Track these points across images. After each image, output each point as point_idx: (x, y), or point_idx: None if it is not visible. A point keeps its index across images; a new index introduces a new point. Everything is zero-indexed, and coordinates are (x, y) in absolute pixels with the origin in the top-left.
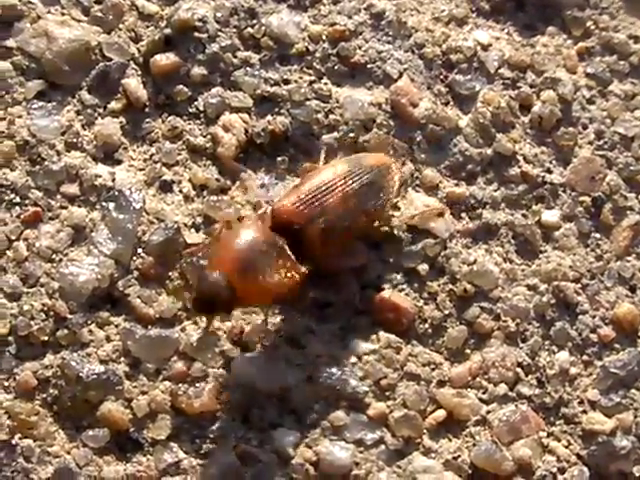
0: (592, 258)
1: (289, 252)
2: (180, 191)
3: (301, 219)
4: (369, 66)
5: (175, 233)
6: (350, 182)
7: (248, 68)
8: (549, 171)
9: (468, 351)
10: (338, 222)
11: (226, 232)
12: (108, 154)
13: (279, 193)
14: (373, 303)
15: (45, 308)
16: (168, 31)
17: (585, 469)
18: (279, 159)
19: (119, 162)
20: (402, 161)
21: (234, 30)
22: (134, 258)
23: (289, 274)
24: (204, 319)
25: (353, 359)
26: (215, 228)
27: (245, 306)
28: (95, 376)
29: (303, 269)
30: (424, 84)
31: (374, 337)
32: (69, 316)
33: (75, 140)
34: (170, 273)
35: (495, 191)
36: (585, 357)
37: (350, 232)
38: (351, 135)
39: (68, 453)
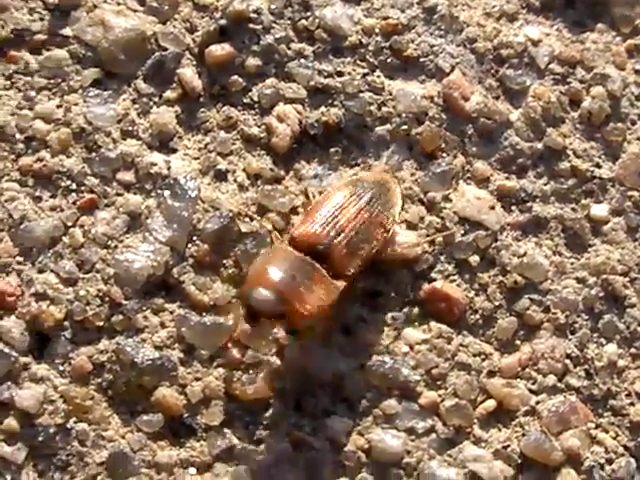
0: None
1: (322, 269)
2: (234, 180)
3: (323, 239)
4: (421, 60)
5: (230, 222)
6: (357, 199)
7: (302, 60)
8: (598, 166)
9: (518, 342)
10: (357, 236)
11: (265, 254)
12: (163, 143)
13: (332, 184)
14: (425, 293)
15: (100, 294)
16: (223, 22)
17: (632, 460)
18: (332, 150)
19: (174, 151)
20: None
21: (288, 22)
22: (189, 246)
23: (327, 290)
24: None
25: (405, 348)
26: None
27: (293, 323)
28: (150, 362)
29: (338, 283)
30: (475, 78)
31: (425, 327)
32: (124, 302)
33: (131, 128)
34: (225, 261)
35: (545, 185)
36: (633, 350)
37: (371, 245)
38: (404, 127)
39: (122, 437)
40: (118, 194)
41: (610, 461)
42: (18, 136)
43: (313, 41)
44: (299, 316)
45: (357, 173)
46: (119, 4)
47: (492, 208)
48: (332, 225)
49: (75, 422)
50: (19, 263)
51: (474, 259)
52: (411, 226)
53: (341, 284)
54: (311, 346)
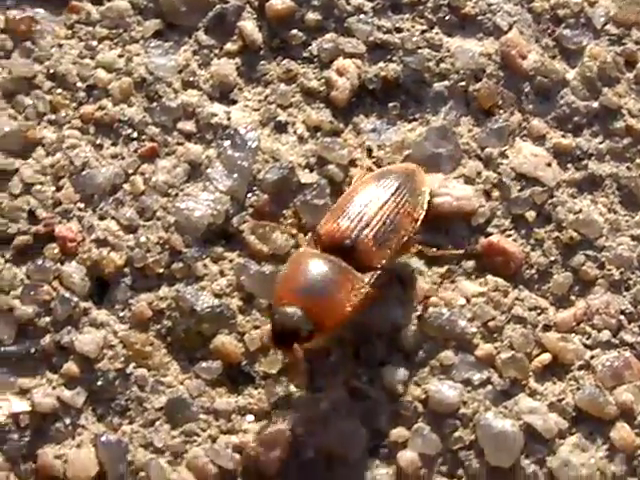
0: None
1: (349, 268)
2: (294, 132)
3: (350, 234)
4: (479, 18)
5: (289, 172)
6: (383, 190)
7: (361, 15)
8: None
9: (573, 297)
10: (385, 227)
11: (289, 263)
12: (224, 94)
13: (390, 138)
14: (482, 247)
15: (161, 241)
16: None
17: None
18: (390, 105)
19: (234, 102)
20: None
21: None
22: (249, 195)
23: (355, 288)
24: None
25: (462, 301)
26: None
27: (324, 334)
28: (209, 309)
29: (366, 279)
30: (532, 37)
31: (482, 280)
32: (184, 250)
33: (192, 79)
34: (284, 211)
35: (600, 143)
36: None
37: (400, 235)
38: (461, 84)
39: (181, 384)
40: (179, 143)
41: None
42: (80, 84)
43: None
44: (328, 330)
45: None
46: None
47: (548, 165)
48: (358, 219)
49: (134, 367)
50: (80, 209)
51: (530, 215)
52: (468, 181)
53: (370, 277)
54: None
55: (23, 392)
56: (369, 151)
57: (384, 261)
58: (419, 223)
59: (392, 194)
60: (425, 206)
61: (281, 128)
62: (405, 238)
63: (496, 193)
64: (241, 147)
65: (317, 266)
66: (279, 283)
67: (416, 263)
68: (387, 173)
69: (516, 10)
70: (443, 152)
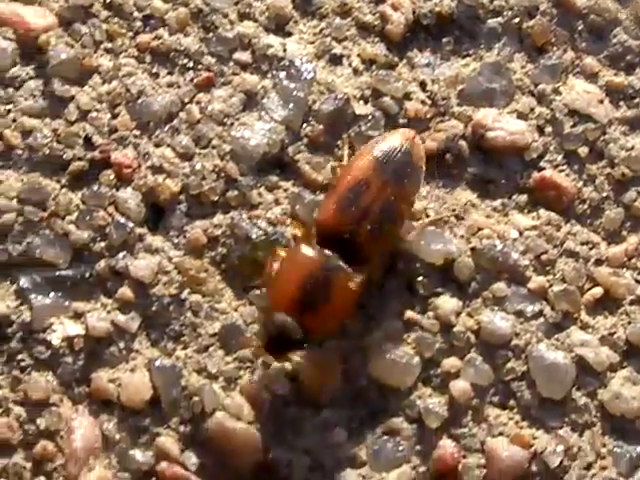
0: None
1: (344, 265)
2: (349, 65)
3: (348, 225)
4: None
5: (345, 104)
6: (381, 170)
7: None
8: None
9: (624, 233)
10: (382, 216)
11: (282, 265)
12: (279, 26)
13: (444, 73)
14: (534, 181)
15: (216, 169)
16: None
17: None
18: (444, 40)
19: (290, 34)
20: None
21: None
22: (304, 126)
23: (349, 289)
24: None
25: (514, 234)
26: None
27: (316, 339)
28: (264, 237)
29: (359, 278)
30: None
31: (535, 214)
32: (239, 178)
33: (248, 10)
34: (338, 142)
35: None
36: None
37: (396, 224)
38: (515, 21)
39: (235, 310)
40: (234, 73)
41: None
42: (136, 14)
43: None
44: (325, 330)
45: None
46: None
47: (601, 102)
48: (355, 207)
49: (189, 293)
50: (136, 137)
51: (583, 150)
52: (521, 116)
53: (364, 274)
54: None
55: (77, 316)
56: (423, 85)
57: (379, 255)
58: (412, 207)
59: (391, 175)
60: (421, 185)
61: (336, 61)
62: (399, 228)
63: (549, 129)
64: (297, 78)
65: (313, 272)
66: (274, 286)
67: (469, 196)
68: (389, 148)
69: None
70: (497, 87)
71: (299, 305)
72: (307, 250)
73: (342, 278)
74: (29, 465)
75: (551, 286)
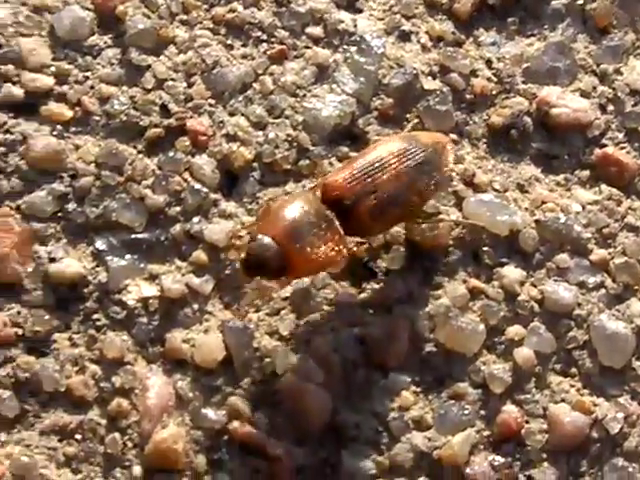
0: None
1: (338, 227)
2: (418, 41)
3: (351, 195)
4: None
5: (414, 78)
6: (404, 160)
7: None
8: None
9: None
10: (389, 200)
11: (279, 200)
12: (350, 2)
13: (509, 51)
14: (596, 158)
15: (289, 138)
16: None
17: None
18: (509, 20)
19: (360, 11)
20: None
21: None
22: (374, 99)
23: (336, 248)
24: None
25: (577, 207)
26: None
27: (292, 277)
28: None
29: (350, 245)
30: None
31: (596, 189)
32: (311, 148)
33: None
34: (407, 115)
35: None
36: None
37: (400, 212)
38: (579, 2)
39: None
40: (307, 47)
41: None
42: None
43: None
44: (298, 274)
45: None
46: None
47: None
48: (368, 181)
49: None
50: (211, 105)
51: None
52: (584, 94)
53: (353, 245)
54: (489, 200)
55: (152, 278)
56: (489, 62)
57: (372, 234)
58: (425, 204)
59: (412, 166)
60: (441, 187)
61: (405, 37)
62: (404, 216)
63: (611, 107)
64: (367, 53)
65: (309, 212)
66: (267, 213)
67: (533, 170)
68: (419, 142)
69: None
70: (560, 66)
71: (285, 234)
72: (310, 196)
73: (332, 233)
74: (104, 421)
75: (612, 259)
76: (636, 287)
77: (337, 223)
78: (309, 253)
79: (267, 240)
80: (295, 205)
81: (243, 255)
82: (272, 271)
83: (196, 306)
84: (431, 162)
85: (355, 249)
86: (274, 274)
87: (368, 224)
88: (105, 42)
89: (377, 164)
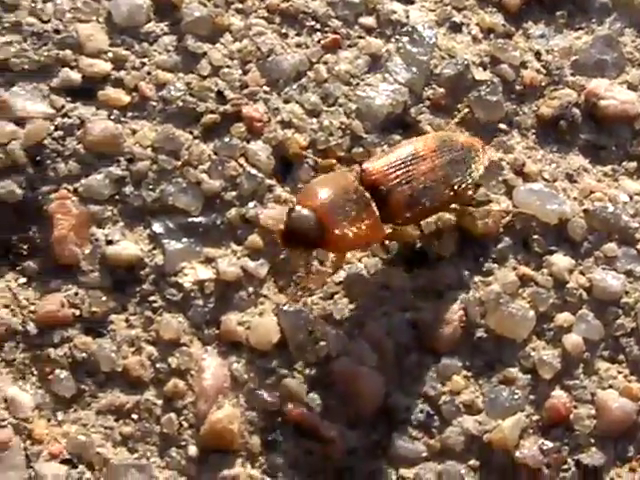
0: None
1: (375, 209)
2: (469, 32)
3: (388, 182)
4: None
5: (465, 69)
6: (440, 154)
7: None
8: None
9: None
10: (424, 192)
11: (320, 177)
12: None
13: (558, 44)
14: None
15: (342, 126)
16: None
17: None
18: (558, 13)
19: (412, 2)
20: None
21: None
22: (426, 89)
23: (373, 229)
24: None
25: (625, 198)
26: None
27: (328, 249)
28: None
29: (385, 230)
30: None
31: None
32: (364, 135)
33: None
34: (459, 105)
35: None
36: None
37: (434, 205)
38: None
39: (359, 261)
40: (360, 37)
41: None
42: None
43: None
44: (333, 247)
45: (450, 130)
46: None
47: None
48: (404, 171)
49: None
50: (266, 92)
51: None
52: (631, 87)
53: (388, 230)
54: (539, 189)
55: (208, 261)
56: (538, 54)
57: (405, 221)
58: (459, 198)
59: (447, 162)
60: (472, 187)
61: (456, 28)
62: (436, 209)
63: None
64: (419, 43)
65: (348, 190)
66: (309, 186)
67: (582, 161)
68: (454, 141)
69: None
70: (608, 59)
71: (323, 207)
72: (350, 176)
73: (369, 214)
74: (160, 402)
75: None
76: None
77: (374, 205)
78: (346, 228)
79: (305, 211)
80: (334, 181)
81: (281, 226)
82: (309, 242)
83: (251, 289)
84: (465, 161)
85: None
86: (310, 245)
87: (402, 212)
88: (161, 29)
89: (414, 156)
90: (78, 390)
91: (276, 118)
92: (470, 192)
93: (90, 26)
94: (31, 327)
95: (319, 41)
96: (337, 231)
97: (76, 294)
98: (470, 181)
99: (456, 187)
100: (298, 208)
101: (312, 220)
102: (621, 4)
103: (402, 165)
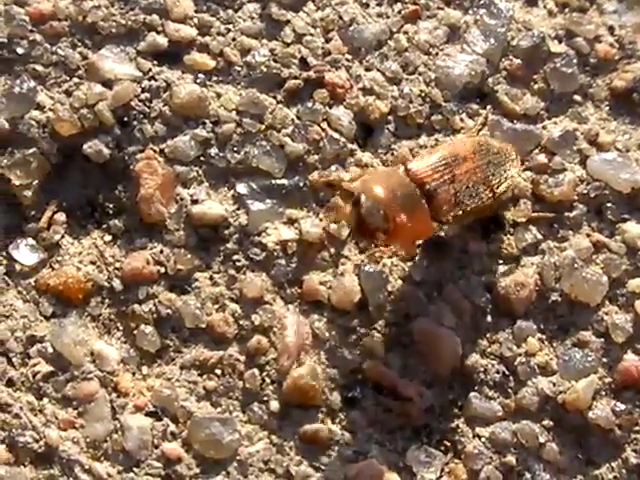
0: None
1: (425, 204)
2: (544, 6)
3: (433, 181)
4: None
5: (541, 41)
6: (478, 156)
7: None
8: None
9: None
10: (466, 192)
11: (378, 171)
12: None
13: (630, 20)
14: None
15: (422, 94)
16: None
17: None
18: None
19: None
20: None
21: None
22: (503, 59)
23: (424, 225)
24: None
25: None
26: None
27: (389, 241)
28: None
29: (434, 225)
30: None
31: None
32: (443, 104)
33: None
34: (535, 76)
35: None
36: None
37: (475, 202)
38: None
39: None
40: (439, 8)
41: None
42: None
43: None
44: (394, 238)
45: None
46: None
47: None
48: (447, 171)
49: None
50: (348, 60)
51: None
52: None
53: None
54: (613, 159)
55: (291, 222)
56: (611, 29)
57: (450, 220)
58: (496, 200)
59: (485, 164)
60: (508, 188)
61: (532, 2)
62: (476, 208)
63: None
64: (496, 15)
65: (404, 186)
66: (369, 179)
67: None
68: (490, 144)
69: None
70: None
71: (388, 198)
72: (403, 174)
73: (421, 209)
74: (243, 358)
75: None
76: None
77: (424, 201)
78: (405, 219)
79: (372, 202)
80: (390, 176)
81: (354, 219)
82: (379, 236)
83: (333, 250)
84: (500, 164)
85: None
86: (378, 235)
87: (445, 212)
88: None
89: (455, 157)
90: (163, 345)
91: (358, 85)
92: (505, 194)
93: None
94: (117, 283)
95: (399, 12)
96: (399, 220)
97: (161, 252)
98: (508, 183)
99: (495, 188)
100: (364, 199)
101: (381, 210)
102: None
103: (445, 165)
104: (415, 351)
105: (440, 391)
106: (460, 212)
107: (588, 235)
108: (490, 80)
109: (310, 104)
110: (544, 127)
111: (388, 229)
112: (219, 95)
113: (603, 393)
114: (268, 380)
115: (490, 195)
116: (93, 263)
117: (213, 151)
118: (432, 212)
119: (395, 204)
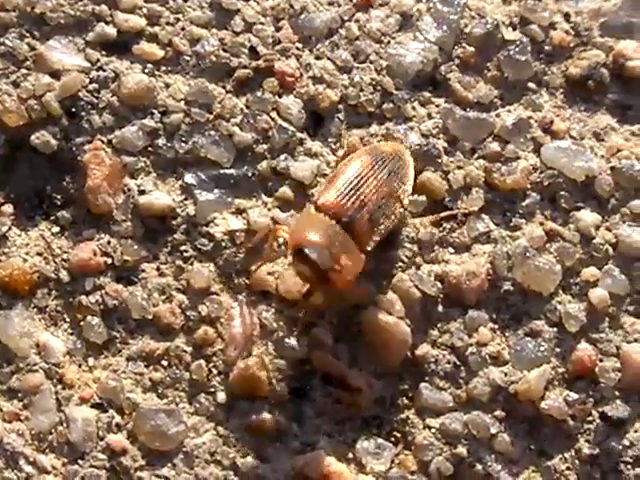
0: None
1: (350, 239)
2: None
3: (347, 212)
4: None
5: (494, 29)
6: (378, 170)
7: None
8: None
9: None
10: (379, 210)
11: (300, 217)
12: None
13: (587, 6)
14: None
15: (373, 82)
16: None
17: None
18: None
19: None
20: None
21: None
22: (456, 47)
23: (357, 260)
24: None
25: None
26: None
27: (334, 285)
28: (417, 147)
29: (363, 257)
30: None
31: None
32: (395, 92)
33: None
34: (488, 64)
35: None
36: None
37: (390, 220)
38: None
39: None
40: None
41: None
42: None
43: None
44: (342, 278)
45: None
46: None
47: None
48: (356, 197)
49: None
50: (298, 49)
51: None
52: None
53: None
54: (567, 147)
55: (239, 212)
56: (567, 16)
57: (372, 246)
58: (404, 209)
59: (387, 175)
60: (410, 192)
61: None
62: (391, 226)
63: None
64: (450, 3)
65: (329, 226)
66: (300, 228)
67: (609, 120)
68: (380, 153)
69: None
70: (636, 21)
71: (329, 242)
72: (320, 214)
73: (350, 244)
74: (190, 349)
75: None
76: None
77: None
78: (347, 262)
79: (322, 252)
80: (316, 220)
81: (301, 266)
82: (332, 277)
83: (281, 239)
84: (398, 168)
85: None
86: (332, 279)
87: (367, 237)
88: None
89: (358, 179)
90: (109, 336)
91: (308, 73)
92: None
93: None
94: (64, 275)
95: (351, 0)
96: (341, 257)
97: (108, 243)
98: (409, 189)
99: (403, 200)
100: (310, 249)
101: (326, 251)
102: None
103: (352, 191)
104: (364, 341)
105: (390, 382)
106: (378, 238)
107: (541, 223)
108: (443, 68)
109: (259, 93)
110: (497, 115)
111: (337, 268)
112: (168, 85)
113: (556, 383)
114: (215, 371)
115: (400, 209)
116: (40, 255)
117: (161, 141)
118: (356, 244)
119: (330, 242)
